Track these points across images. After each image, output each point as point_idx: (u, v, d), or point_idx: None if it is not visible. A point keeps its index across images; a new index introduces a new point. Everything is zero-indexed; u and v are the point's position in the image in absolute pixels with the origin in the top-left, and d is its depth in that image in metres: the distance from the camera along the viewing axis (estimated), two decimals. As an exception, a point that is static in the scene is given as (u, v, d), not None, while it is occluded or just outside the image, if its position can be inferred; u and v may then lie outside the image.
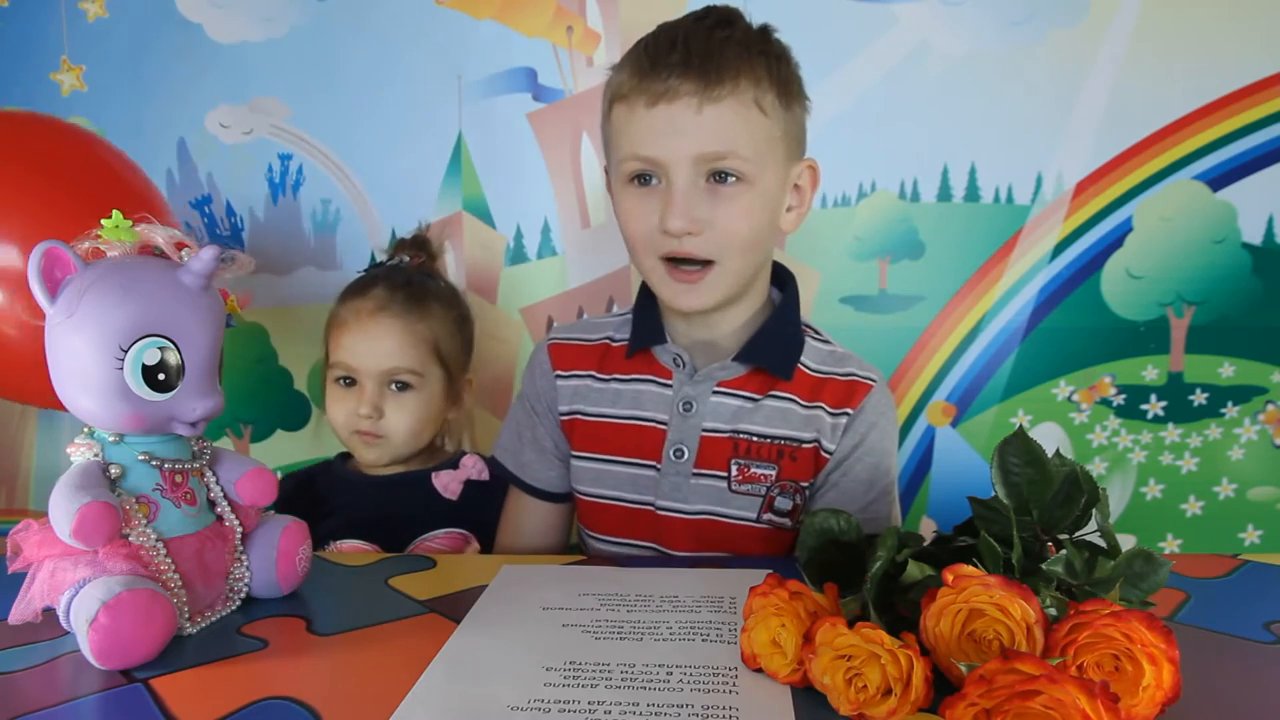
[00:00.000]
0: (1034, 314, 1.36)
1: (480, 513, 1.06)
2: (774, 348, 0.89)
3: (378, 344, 1.05)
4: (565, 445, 0.96)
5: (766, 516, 0.88)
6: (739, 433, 0.88)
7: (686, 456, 0.88)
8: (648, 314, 0.93)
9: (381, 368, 1.05)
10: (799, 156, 0.87)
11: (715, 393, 0.88)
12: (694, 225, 0.80)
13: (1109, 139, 1.32)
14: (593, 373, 0.94)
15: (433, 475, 1.08)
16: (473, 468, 1.09)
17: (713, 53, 0.79)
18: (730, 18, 0.84)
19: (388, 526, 1.02)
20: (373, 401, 1.05)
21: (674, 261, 0.83)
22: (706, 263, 0.83)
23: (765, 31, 0.84)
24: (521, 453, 0.98)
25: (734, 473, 0.88)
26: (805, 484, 0.89)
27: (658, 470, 0.90)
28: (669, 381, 0.90)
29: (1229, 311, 1.34)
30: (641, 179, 0.83)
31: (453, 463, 1.11)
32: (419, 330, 1.07)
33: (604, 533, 0.95)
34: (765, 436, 0.88)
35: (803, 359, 0.90)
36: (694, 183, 0.80)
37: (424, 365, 1.08)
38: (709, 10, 0.85)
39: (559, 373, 0.95)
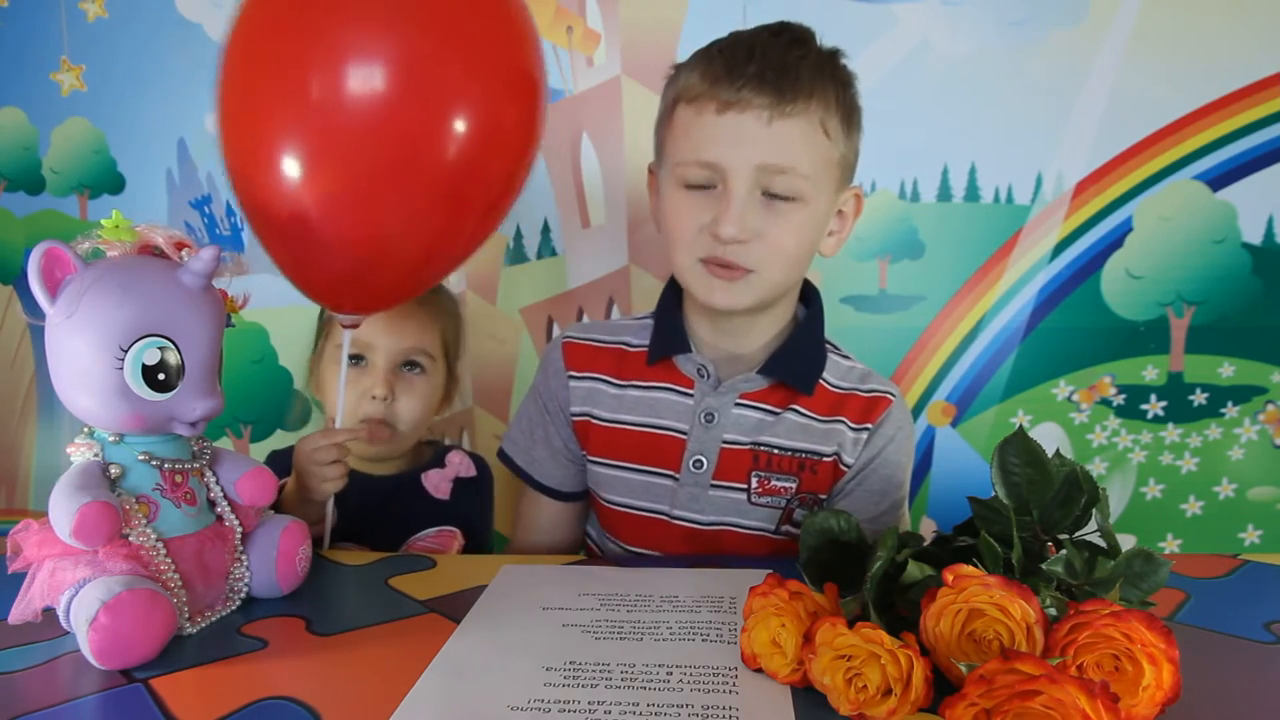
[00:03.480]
0: (1034, 314, 1.36)
1: (468, 509, 1.07)
2: (797, 362, 0.89)
3: (394, 321, 1.03)
4: (576, 446, 0.96)
5: (784, 528, 0.88)
6: (759, 445, 0.87)
7: (706, 467, 0.88)
8: (672, 321, 0.92)
9: (399, 346, 1.03)
10: (849, 183, 0.88)
11: (737, 404, 0.88)
12: (746, 234, 0.80)
13: (1109, 139, 1.32)
14: (607, 376, 0.93)
15: (422, 476, 1.08)
16: (460, 464, 1.09)
17: (789, 69, 0.79)
18: (804, 37, 0.84)
19: (380, 528, 1.02)
20: (387, 381, 1.02)
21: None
22: (747, 270, 0.82)
23: (835, 56, 0.84)
24: (532, 449, 0.98)
25: (754, 485, 0.88)
26: (824, 496, 0.89)
27: (675, 480, 0.89)
28: (690, 391, 0.90)
29: (1229, 311, 1.34)
30: (699, 183, 0.82)
31: (438, 461, 1.10)
32: (430, 314, 1.07)
33: (619, 537, 0.95)
34: (786, 449, 0.88)
35: (824, 375, 0.90)
36: (751, 193, 0.80)
37: (434, 349, 1.07)
38: (784, 27, 0.84)
39: (571, 372, 0.94)
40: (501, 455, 1.01)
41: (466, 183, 0.81)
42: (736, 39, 0.83)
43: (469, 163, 0.79)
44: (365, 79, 0.74)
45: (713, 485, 0.88)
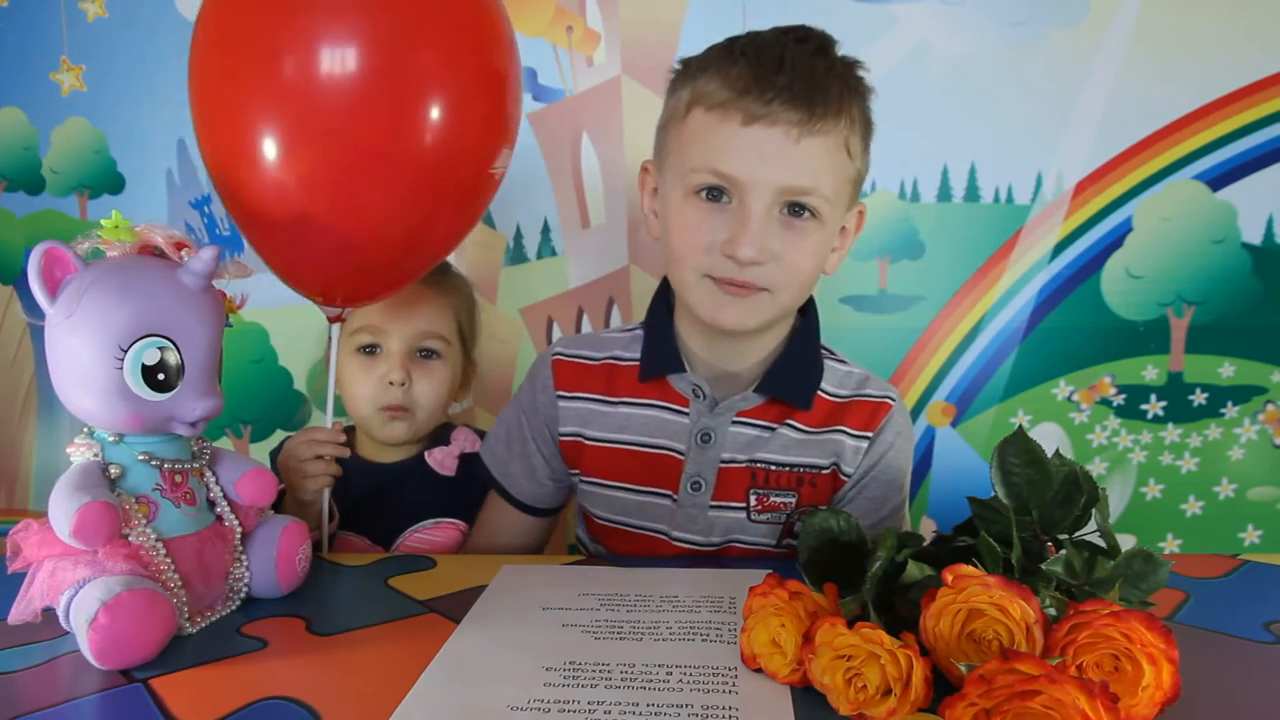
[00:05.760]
0: (1034, 314, 1.36)
1: (475, 486, 1.05)
2: (794, 378, 0.87)
3: (407, 306, 1.01)
4: (559, 465, 0.94)
5: (786, 542, 0.88)
6: (756, 462, 0.86)
7: (704, 489, 0.87)
8: (664, 339, 0.89)
9: (413, 330, 1.02)
10: (857, 199, 0.85)
11: (734, 423, 0.86)
12: (764, 255, 0.77)
13: (1109, 139, 1.32)
14: (598, 395, 0.91)
15: (426, 454, 1.06)
16: (465, 441, 1.08)
17: (818, 83, 0.75)
18: (826, 45, 0.80)
19: (386, 513, 1.01)
20: (403, 366, 1.01)
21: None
22: (760, 289, 0.80)
23: (855, 66, 0.81)
24: (509, 463, 0.96)
25: (753, 502, 0.86)
26: (825, 508, 0.88)
27: (674, 500, 0.88)
28: (685, 409, 0.87)
29: (1229, 311, 1.34)
30: (711, 193, 0.78)
31: (443, 439, 1.09)
32: (445, 300, 1.06)
33: (614, 552, 0.94)
34: (783, 465, 0.86)
35: (821, 384, 0.88)
36: (769, 212, 0.77)
37: (449, 333, 1.06)
38: (807, 33, 0.80)
39: (561, 393, 0.92)
40: (476, 459, 1.00)
41: (442, 169, 0.81)
42: (760, 43, 0.78)
43: (444, 150, 0.80)
44: (339, 65, 0.75)
45: (711, 506, 0.87)
